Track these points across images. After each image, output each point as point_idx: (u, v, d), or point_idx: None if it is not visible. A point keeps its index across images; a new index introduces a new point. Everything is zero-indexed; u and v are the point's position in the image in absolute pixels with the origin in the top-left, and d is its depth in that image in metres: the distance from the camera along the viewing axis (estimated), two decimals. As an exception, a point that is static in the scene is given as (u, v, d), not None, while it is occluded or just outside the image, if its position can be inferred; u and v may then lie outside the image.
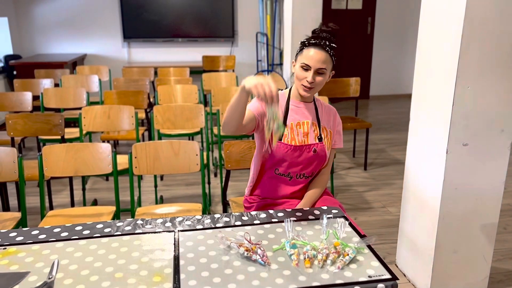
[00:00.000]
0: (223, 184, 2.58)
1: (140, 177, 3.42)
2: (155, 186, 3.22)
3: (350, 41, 6.68)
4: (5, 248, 1.38)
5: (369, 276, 1.23)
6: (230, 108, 1.58)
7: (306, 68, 1.75)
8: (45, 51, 6.14)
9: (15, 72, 5.36)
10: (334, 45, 1.77)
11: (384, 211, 3.22)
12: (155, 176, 3.24)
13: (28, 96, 3.73)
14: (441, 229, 2.10)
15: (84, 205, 3.20)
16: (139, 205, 3.02)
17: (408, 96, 6.80)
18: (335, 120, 1.95)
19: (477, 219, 2.13)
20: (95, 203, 3.35)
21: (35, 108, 3.85)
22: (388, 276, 1.23)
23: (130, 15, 6.10)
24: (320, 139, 1.86)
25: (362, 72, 6.81)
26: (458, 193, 2.06)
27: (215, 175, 3.85)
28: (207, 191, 3.23)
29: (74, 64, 5.71)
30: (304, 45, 1.78)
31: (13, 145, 3.16)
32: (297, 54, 1.82)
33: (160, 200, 3.37)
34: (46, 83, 4.31)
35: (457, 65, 1.88)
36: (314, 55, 1.73)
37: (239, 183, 3.64)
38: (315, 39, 1.76)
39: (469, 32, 1.84)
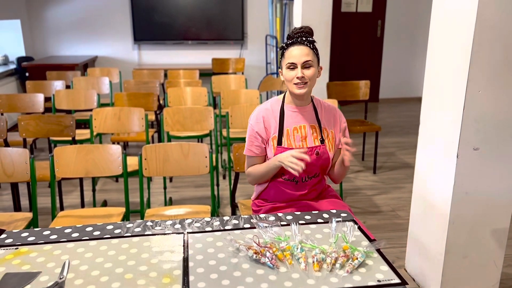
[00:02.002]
0: (232, 186, 2.59)
1: (149, 179, 3.44)
2: (164, 187, 3.23)
3: (360, 44, 6.66)
4: (17, 248, 1.40)
5: (378, 281, 1.23)
6: (259, 177, 1.88)
7: (292, 66, 1.77)
8: (57, 53, 6.22)
9: (27, 74, 5.43)
10: (311, 39, 1.81)
11: (393, 215, 3.20)
12: (164, 178, 3.26)
13: (40, 97, 3.78)
14: (451, 233, 2.09)
15: (94, 206, 3.22)
16: (148, 206, 3.04)
17: (418, 99, 6.80)
18: (337, 119, 1.93)
19: (488, 224, 2.11)
20: (104, 204, 3.38)
21: (47, 110, 3.90)
22: (397, 280, 1.23)
23: (141, 18, 6.15)
24: (322, 141, 1.86)
25: (372, 75, 6.78)
26: (469, 197, 2.05)
27: (224, 177, 3.86)
28: (215, 193, 3.24)
29: (85, 66, 5.77)
30: (283, 48, 1.82)
31: (25, 146, 3.20)
32: (280, 61, 1.86)
33: (169, 202, 3.39)
34: (57, 85, 4.36)
35: (468, 68, 1.86)
36: (296, 52, 1.76)
37: (247, 185, 3.65)
38: (292, 39, 1.81)
39: (481, 36, 1.82)
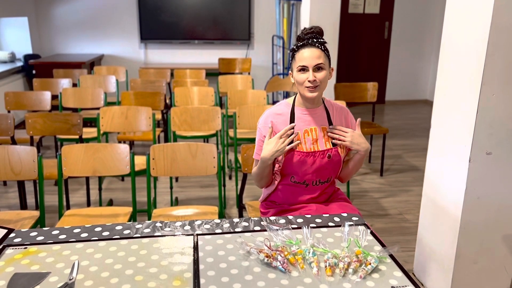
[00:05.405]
0: (239, 187, 2.57)
1: (155, 178, 3.43)
2: (171, 187, 3.22)
3: (367, 46, 6.63)
4: (26, 248, 1.39)
5: (392, 286, 1.21)
6: (259, 178, 1.89)
7: (303, 69, 1.75)
8: (63, 51, 6.22)
9: (34, 71, 5.44)
10: (322, 40, 1.78)
11: (401, 218, 3.17)
12: (170, 178, 3.24)
13: (47, 95, 3.77)
14: (461, 238, 2.06)
15: (100, 205, 3.21)
16: (155, 206, 3.03)
17: (425, 102, 6.77)
18: (348, 120, 1.91)
19: (499, 229, 2.09)
20: (110, 203, 3.37)
21: (54, 108, 3.89)
22: (411, 286, 1.21)
23: (148, 17, 6.15)
24: (334, 144, 1.84)
25: (378, 76, 6.75)
26: (480, 202, 2.02)
27: (230, 177, 3.85)
28: (222, 193, 3.22)
29: (92, 64, 5.77)
30: (294, 51, 1.79)
31: (31, 144, 3.19)
32: (291, 64, 1.82)
33: (175, 202, 3.37)
34: (64, 83, 4.35)
35: (482, 72, 1.84)
36: (307, 55, 1.73)
37: (254, 186, 3.63)
38: (302, 40, 1.78)
39: (495, 39, 1.80)
